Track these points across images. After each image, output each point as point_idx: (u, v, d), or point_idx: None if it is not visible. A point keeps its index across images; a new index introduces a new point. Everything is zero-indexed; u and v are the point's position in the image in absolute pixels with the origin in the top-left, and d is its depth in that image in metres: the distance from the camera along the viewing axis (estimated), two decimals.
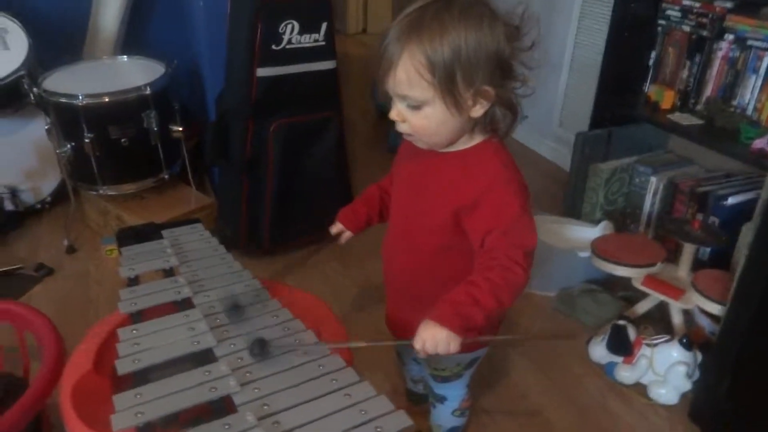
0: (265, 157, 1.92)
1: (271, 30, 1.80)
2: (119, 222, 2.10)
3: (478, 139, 0.96)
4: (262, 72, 1.82)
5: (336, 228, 1.25)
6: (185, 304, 1.09)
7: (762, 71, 1.83)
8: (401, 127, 0.94)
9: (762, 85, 1.83)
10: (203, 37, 2.08)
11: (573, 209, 2.35)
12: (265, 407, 0.86)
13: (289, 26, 1.81)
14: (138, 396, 0.86)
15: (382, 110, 3.46)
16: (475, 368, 1.23)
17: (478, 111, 0.89)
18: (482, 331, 1.01)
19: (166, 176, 2.11)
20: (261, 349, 0.94)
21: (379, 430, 0.84)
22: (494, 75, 0.86)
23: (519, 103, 0.92)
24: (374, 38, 3.17)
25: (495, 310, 0.89)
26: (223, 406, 0.87)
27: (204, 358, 0.96)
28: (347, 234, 1.24)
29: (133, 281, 1.16)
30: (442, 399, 1.28)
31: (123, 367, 0.92)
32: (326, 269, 2.14)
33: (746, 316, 1.35)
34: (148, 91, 1.93)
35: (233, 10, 1.86)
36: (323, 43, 1.90)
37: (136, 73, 2.10)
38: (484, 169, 0.94)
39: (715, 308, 1.55)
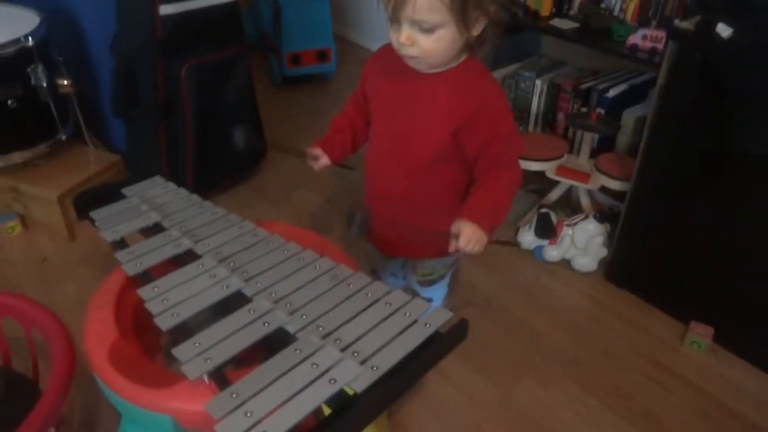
0: (180, 101, 1.82)
1: None
2: (16, 195, 1.89)
3: (462, 57, 1.02)
4: (165, 9, 1.69)
5: (316, 151, 1.23)
6: (187, 257, 1.08)
7: None
8: (409, 51, 0.97)
9: None
10: None
11: None
12: (320, 329, 0.91)
13: None
14: (197, 345, 0.87)
15: (252, 41, 3.34)
16: (455, 267, 1.37)
17: (477, 30, 0.96)
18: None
19: (63, 137, 1.91)
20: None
21: (428, 326, 0.94)
22: None
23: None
24: None
25: (510, 208, 1.05)
26: (278, 338, 0.92)
27: (233, 302, 0.99)
28: (324, 160, 1.24)
29: (120, 243, 1.11)
30: (428, 301, 1.40)
31: (164, 322, 0.91)
32: (257, 207, 2.13)
33: (650, 188, 1.62)
34: (30, 43, 1.70)
35: None
36: None
37: (4, 23, 1.82)
38: (478, 87, 1.02)
39: (618, 185, 1.83)
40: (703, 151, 1.48)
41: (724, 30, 1.32)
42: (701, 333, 1.59)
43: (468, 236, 0.99)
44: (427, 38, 0.94)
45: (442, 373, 1.52)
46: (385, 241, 1.29)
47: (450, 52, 0.97)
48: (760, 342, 1.54)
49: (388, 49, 1.05)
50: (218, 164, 2.02)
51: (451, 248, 1.01)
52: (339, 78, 3.10)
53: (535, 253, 1.90)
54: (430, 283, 1.35)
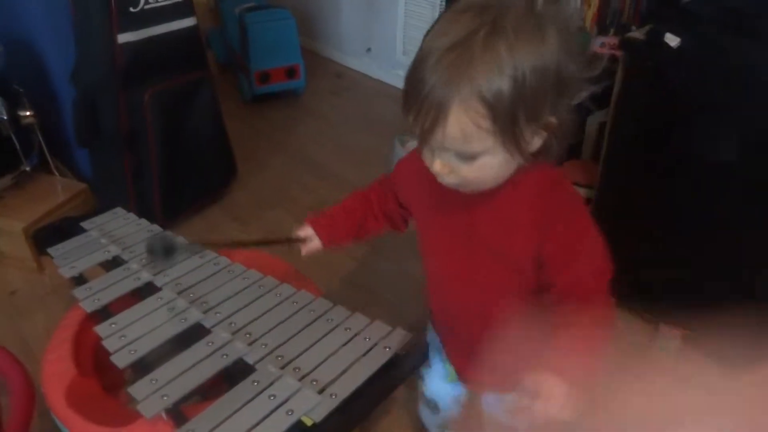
0: (144, 128, 1.81)
1: None
2: None
3: (529, 168, 0.77)
4: (123, 38, 1.69)
5: (304, 232, 1.00)
6: (147, 290, 1.08)
7: None
8: (446, 179, 0.74)
9: None
10: (36, 8, 1.85)
11: None
12: (279, 358, 0.92)
13: None
14: (154, 381, 0.87)
15: (221, 61, 3.34)
16: None
17: (536, 144, 0.72)
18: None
19: (27, 168, 1.89)
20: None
21: (387, 349, 0.95)
22: (556, 99, 0.69)
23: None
24: None
25: (604, 352, 0.75)
26: (237, 370, 0.92)
27: (192, 334, 0.98)
28: (314, 244, 1.00)
29: (79, 279, 1.10)
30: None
31: (121, 360, 0.91)
32: (226, 230, 2.12)
33: (613, 194, 1.65)
34: None
35: None
36: None
37: None
38: (548, 203, 0.78)
39: (584, 192, 1.85)
40: (658, 155, 1.50)
41: (672, 39, 1.34)
42: (671, 335, 1.61)
43: (548, 395, 0.69)
44: (467, 166, 0.71)
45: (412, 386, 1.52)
46: (469, 372, 0.99)
47: (503, 174, 0.75)
48: (731, 344, 1.57)
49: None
50: (186, 188, 2.01)
51: (523, 410, 0.72)
52: (309, 93, 3.11)
53: None
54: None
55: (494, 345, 0.82)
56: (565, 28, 0.67)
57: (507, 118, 0.66)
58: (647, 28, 1.45)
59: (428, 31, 0.69)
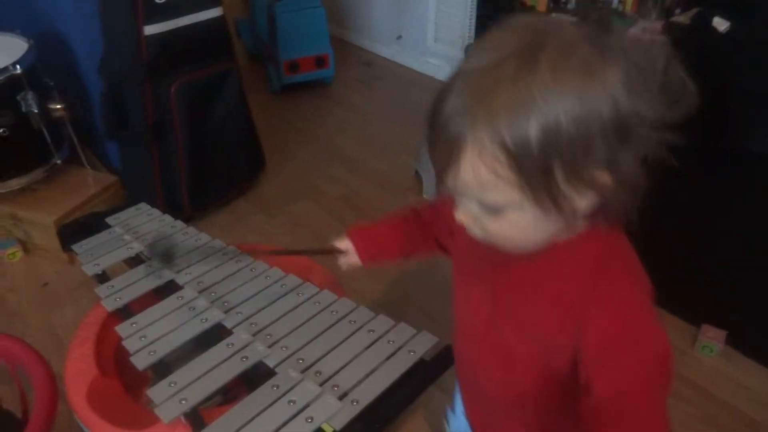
0: (170, 120, 1.81)
1: None
2: (15, 221, 1.90)
3: (579, 231, 0.61)
4: (149, 30, 1.68)
5: (344, 245, 0.90)
6: (168, 288, 1.06)
7: None
8: (472, 231, 0.61)
9: None
10: (64, 1, 1.85)
11: None
12: (300, 361, 0.89)
13: None
14: (172, 385, 0.85)
15: (251, 51, 3.33)
16: None
17: (583, 204, 0.56)
18: None
19: (59, 161, 1.91)
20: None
21: (412, 353, 0.91)
22: (610, 149, 0.53)
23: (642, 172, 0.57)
24: None
25: None
26: (257, 373, 0.89)
27: (213, 334, 0.96)
28: (352, 260, 0.89)
29: (102, 276, 1.10)
30: None
31: (141, 362, 0.90)
32: (253, 222, 2.11)
33: (651, 187, 1.57)
34: (18, 70, 1.70)
35: None
36: None
37: None
38: (596, 288, 0.60)
39: None
40: (701, 147, 1.42)
41: (721, 24, 1.26)
42: (713, 336, 1.53)
43: None
44: (492, 221, 0.58)
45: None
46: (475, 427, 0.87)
47: (539, 234, 0.60)
48: None
49: None
50: (214, 181, 2.00)
51: None
52: (338, 82, 3.07)
53: None
54: None
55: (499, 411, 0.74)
56: (638, 64, 0.52)
57: (536, 172, 0.52)
58: (693, 11, 1.37)
59: (467, 47, 0.59)
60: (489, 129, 0.51)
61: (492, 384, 0.73)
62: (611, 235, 0.62)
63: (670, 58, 0.53)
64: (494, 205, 0.56)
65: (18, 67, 1.71)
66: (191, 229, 1.21)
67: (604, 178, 0.54)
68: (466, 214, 0.60)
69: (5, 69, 1.70)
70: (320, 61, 2.91)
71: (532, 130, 0.50)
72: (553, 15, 2.17)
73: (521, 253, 0.62)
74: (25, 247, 1.95)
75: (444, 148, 0.54)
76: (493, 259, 0.65)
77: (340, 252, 0.89)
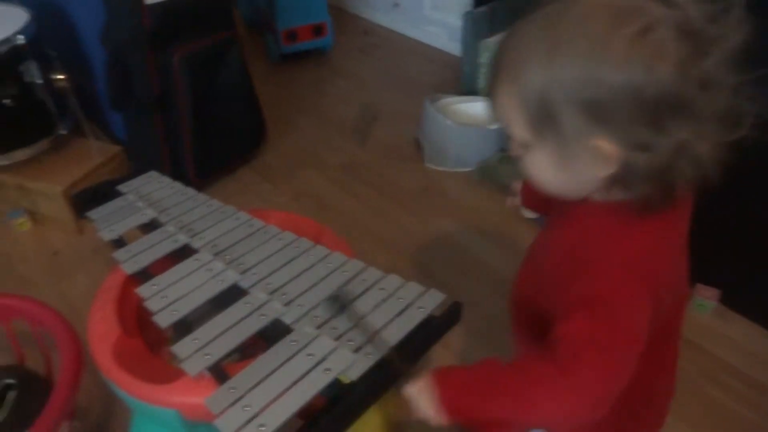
0: (174, 90, 1.82)
1: None
2: (23, 191, 1.92)
3: (615, 196, 0.64)
4: None
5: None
6: (184, 252, 1.10)
7: None
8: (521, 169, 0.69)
9: None
10: None
11: (471, 87, 2.50)
12: (316, 318, 0.93)
13: None
14: (196, 341, 0.89)
15: (248, 21, 3.30)
16: None
17: (598, 170, 0.60)
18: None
19: (64, 132, 1.93)
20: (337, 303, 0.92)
21: (421, 309, 0.95)
22: (616, 121, 0.56)
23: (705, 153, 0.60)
24: None
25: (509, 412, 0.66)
26: (275, 330, 0.93)
27: (230, 295, 1.00)
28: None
29: (118, 242, 1.13)
30: None
31: (164, 320, 0.93)
32: (258, 190, 2.14)
33: None
34: (21, 41, 1.70)
35: None
36: None
37: None
38: (588, 253, 0.64)
39: None
40: None
41: None
42: (707, 295, 1.58)
43: (417, 394, 0.70)
44: (523, 159, 0.66)
45: (446, 346, 1.54)
46: None
47: (554, 183, 0.65)
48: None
49: None
50: (218, 149, 2.03)
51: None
52: (336, 51, 3.07)
53: (541, 222, 1.89)
54: None
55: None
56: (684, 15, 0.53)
57: (543, 119, 0.59)
58: None
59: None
60: (510, 70, 0.61)
61: (516, 290, 0.87)
62: (625, 211, 0.63)
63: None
64: (515, 138, 0.64)
65: (20, 37, 1.71)
66: (202, 196, 1.24)
67: (608, 148, 0.57)
68: (514, 150, 0.67)
69: (8, 39, 1.70)
70: (318, 30, 2.91)
71: (539, 77, 0.58)
72: None
73: (579, 205, 0.68)
74: (33, 217, 1.98)
75: (490, 87, 0.64)
76: (566, 211, 0.72)
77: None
